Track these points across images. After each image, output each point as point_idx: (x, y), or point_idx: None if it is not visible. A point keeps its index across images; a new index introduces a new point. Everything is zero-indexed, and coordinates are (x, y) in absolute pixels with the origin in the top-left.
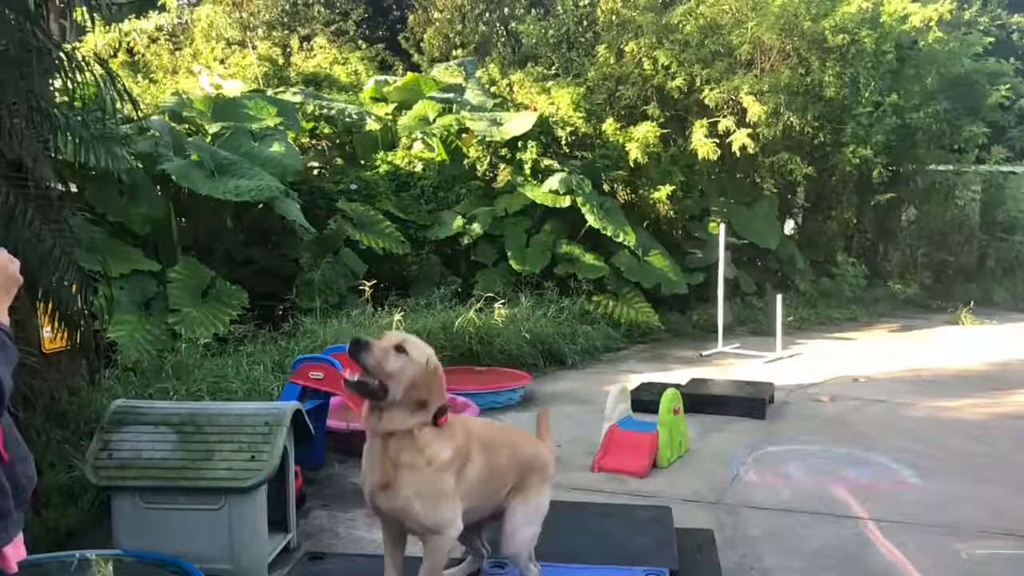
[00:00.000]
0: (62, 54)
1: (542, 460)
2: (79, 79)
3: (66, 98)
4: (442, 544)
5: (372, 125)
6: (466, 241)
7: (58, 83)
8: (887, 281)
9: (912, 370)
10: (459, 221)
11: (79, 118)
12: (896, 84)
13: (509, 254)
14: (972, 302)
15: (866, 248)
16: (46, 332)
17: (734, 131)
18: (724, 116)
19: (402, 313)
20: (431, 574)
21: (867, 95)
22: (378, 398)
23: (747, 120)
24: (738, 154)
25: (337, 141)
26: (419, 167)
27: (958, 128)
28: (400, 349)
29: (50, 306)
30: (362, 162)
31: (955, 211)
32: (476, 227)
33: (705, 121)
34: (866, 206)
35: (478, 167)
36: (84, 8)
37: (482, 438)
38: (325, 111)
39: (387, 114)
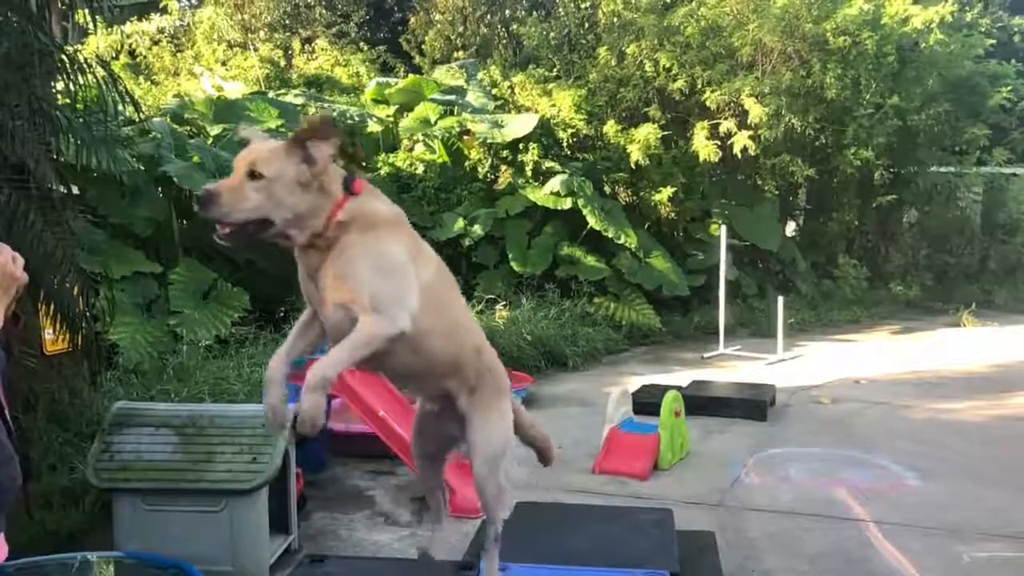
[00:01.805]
0: (64, 56)
1: (500, 370)
2: (81, 81)
3: (68, 100)
4: (379, 326)
5: (374, 127)
6: (467, 243)
7: (60, 85)
8: (888, 283)
9: (913, 372)
10: (460, 223)
11: (81, 120)
12: (897, 86)
13: (510, 256)
14: (973, 304)
15: (867, 250)
16: (47, 334)
17: (735, 133)
18: (725, 118)
19: None
20: (346, 351)
21: (868, 97)
22: (273, 235)
23: (748, 122)
24: (739, 156)
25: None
26: (420, 169)
27: (959, 130)
28: (255, 174)
29: (51, 308)
30: (364, 164)
31: (956, 213)
32: (477, 229)
33: (706, 123)
34: (867, 208)
35: (479, 169)
36: (86, 10)
37: (439, 258)
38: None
39: (388, 116)
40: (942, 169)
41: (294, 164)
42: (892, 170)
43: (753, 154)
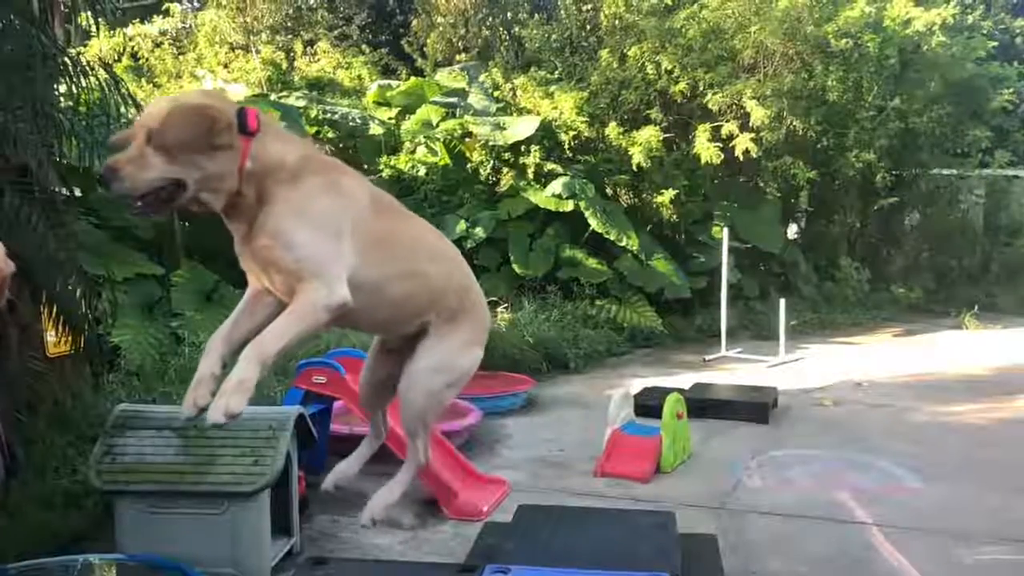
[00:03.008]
0: (67, 59)
1: (481, 298)
2: (84, 84)
3: (71, 103)
4: (317, 296)
5: (375, 129)
6: (469, 245)
7: (63, 88)
8: (890, 285)
9: (916, 374)
10: (462, 225)
11: (83, 123)
12: (899, 88)
13: (512, 258)
14: (976, 306)
15: (869, 252)
16: (50, 336)
17: (737, 135)
18: (727, 120)
19: None
20: (283, 325)
21: (870, 99)
22: (189, 200)
23: (750, 124)
24: (741, 158)
25: (340, 145)
26: (422, 171)
27: (961, 132)
28: (153, 142)
29: (54, 310)
30: (366, 166)
31: (958, 215)
32: (479, 231)
33: (708, 125)
34: (869, 210)
35: (481, 171)
36: (89, 13)
37: (370, 186)
38: (328, 116)
39: (390, 118)
40: (944, 171)
41: (190, 130)
42: (894, 172)
43: (755, 156)
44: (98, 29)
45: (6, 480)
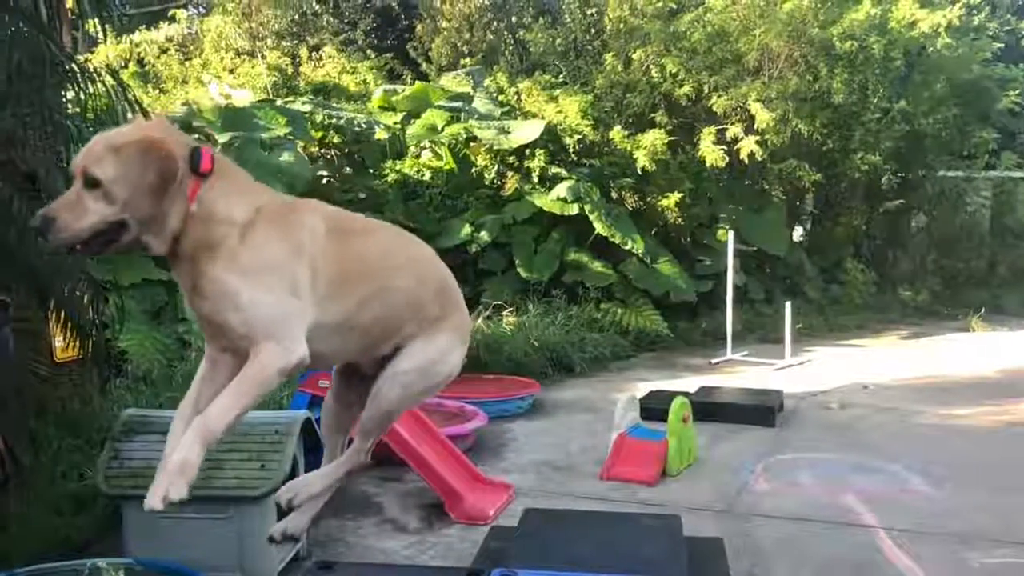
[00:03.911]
0: (74, 66)
1: (460, 297)
2: (91, 90)
3: (78, 109)
4: (270, 359)
5: (381, 134)
6: (474, 249)
7: (70, 94)
8: (897, 288)
9: (922, 377)
10: (467, 229)
11: (91, 129)
12: (905, 90)
13: (517, 262)
14: (983, 309)
15: (875, 255)
16: (57, 342)
17: (742, 138)
18: (732, 123)
19: None
20: (234, 395)
21: (876, 101)
22: (132, 242)
23: (755, 127)
24: (746, 161)
25: (346, 150)
26: (427, 176)
27: (968, 134)
28: (92, 183)
29: (62, 316)
30: (371, 171)
31: (965, 217)
32: (484, 235)
33: (713, 128)
34: (875, 213)
35: (486, 175)
36: (96, 20)
37: (328, 214)
38: (334, 120)
39: (395, 123)
40: (950, 173)
41: (131, 174)
42: (900, 175)
43: (760, 159)
44: (105, 36)
45: (4, 483)
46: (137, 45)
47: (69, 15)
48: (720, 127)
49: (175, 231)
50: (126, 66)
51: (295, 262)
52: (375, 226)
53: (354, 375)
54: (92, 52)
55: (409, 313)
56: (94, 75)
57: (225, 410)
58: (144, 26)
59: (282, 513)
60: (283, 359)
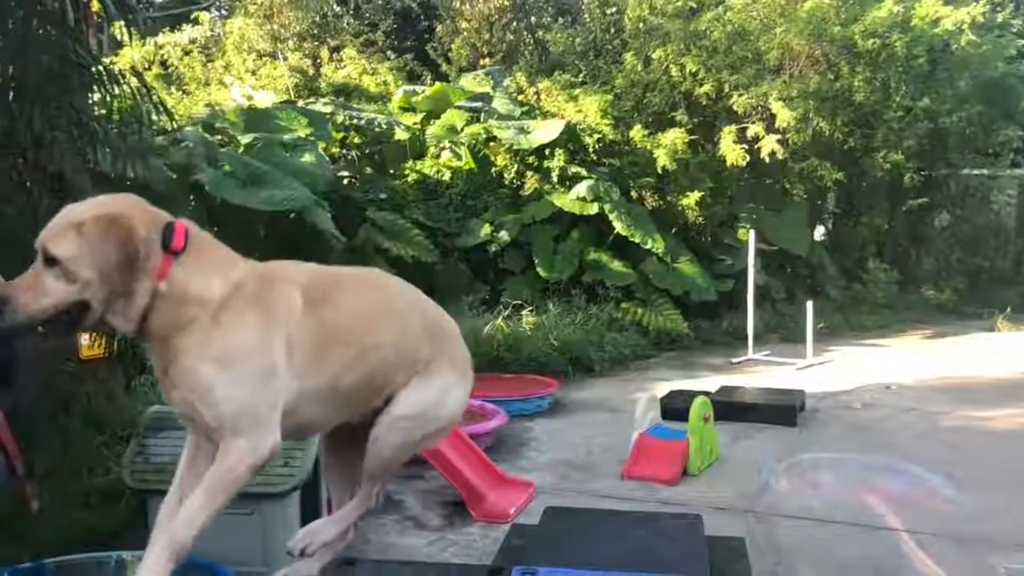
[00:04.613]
0: (100, 68)
1: (454, 331)
2: (116, 92)
3: (104, 111)
4: (238, 456)
5: (401, 135)
6: (494, 249)
7: (96, 96)
8: (920, 287)
9: (946, 378)
10: (487, 229)
11: (116, 130)
12: (928, 88)
13: (536, 261)
14: (1008, 308)
15: (898, 254)
16: (83, 339)
17: (763, 137)
18: (753, 122)
19: None
20: (203, 498)
21: (898, 100)
22: (96, 322)
23: (776, 126)
24: (767, 160)
25: (367, 151)
26: (447, 176)
27: (992, 132)
28: (50, 260)
29: None
30: (391, 171)
31: (990, 216)
32: (504, 235)
33: (734, 127)
34: (898, 211)
35: (506, 175)
36: (121, 23)
37: (305, 282)
38: (355, 121)
39: (416, 123)
40: (975, 172)
41: (93, 254)
42: (923, 173)
43: (781, 158)
44: (131, 38)
45: (9, 481)
46: (160, 47)
47: (95, 18)
48: (741, 126)
49: (142, 310)
50: (149, 68)
51: (271, 344)
52: (353, 282)
53: (347, 434)
54: (117, 55)
55: (397, 365)
56: (119, 77)
57: (194, 516)
58: (167, 28)
59: (305, 513)
60: (253, 457)
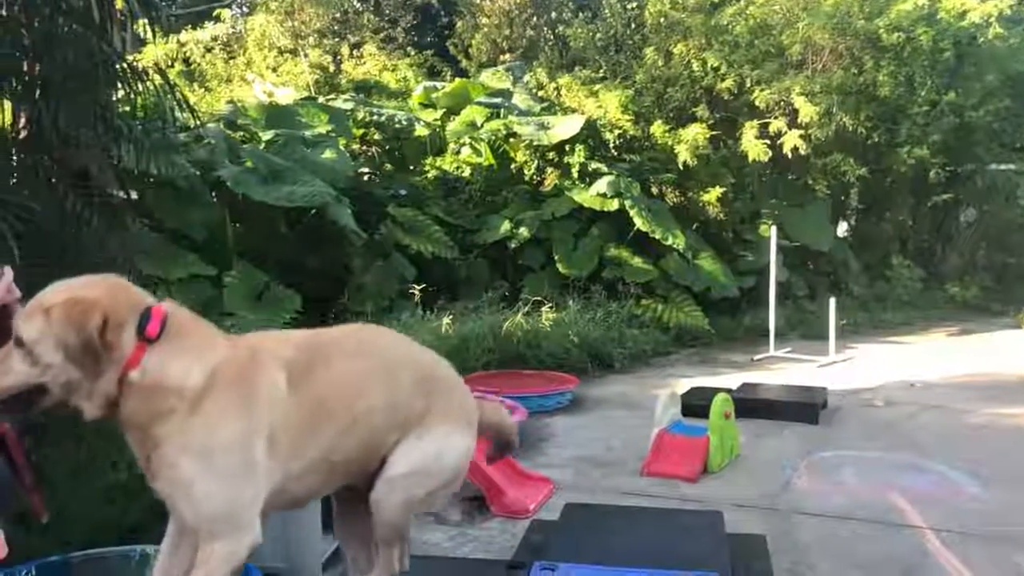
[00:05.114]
0: (124, 65)
1: (450, 379)
2: (140, 89)
3: (128, 108)
4: (220, 561)
5: (421, 131)
6: (513, 245)
7: (120, 93)
8: (944, 284)
9: (971, 375)
10: (506, 225)
11: (140, 127)
12: (954, 82)
13: (556, 258)
14: None
15: (922, 250)
16: None
17: (785, 132)
18: (775, 117)
19: (451, 316)
20: None
21: (923, 94)
22: (56, 404)
23: (799, 121)
24: (789, 155)
25: (387, 147)
26: (467, 172)
27: (1020, 126)
28: (19, 341)
29: None
30: (411, 167)
31: (1017, 212)
32: (523, 231)
33: (755, 122)
34: (922, 207)
35: (525, 171)
36: (145, 20)
37: (289, 358)
38: (375, 117)
39: (436, 120)
40: (1002, 167)
41: (55, 336)
42: (948, 168)
43: (803, 154)
44: (154, 36)
45: (12, 483)
46: (183, 44)
47: (119, 16)
48: (763, 121)
49: (109, 398)
50: (172, 65)
51: (253, 437)
52: (339, 346)
53: (347, 498)
54: (140, 52)
55: (390, 425)
56: (143, 74)
57: None
58: (189, 26)
59: (326, 507)
60: (230, 562)
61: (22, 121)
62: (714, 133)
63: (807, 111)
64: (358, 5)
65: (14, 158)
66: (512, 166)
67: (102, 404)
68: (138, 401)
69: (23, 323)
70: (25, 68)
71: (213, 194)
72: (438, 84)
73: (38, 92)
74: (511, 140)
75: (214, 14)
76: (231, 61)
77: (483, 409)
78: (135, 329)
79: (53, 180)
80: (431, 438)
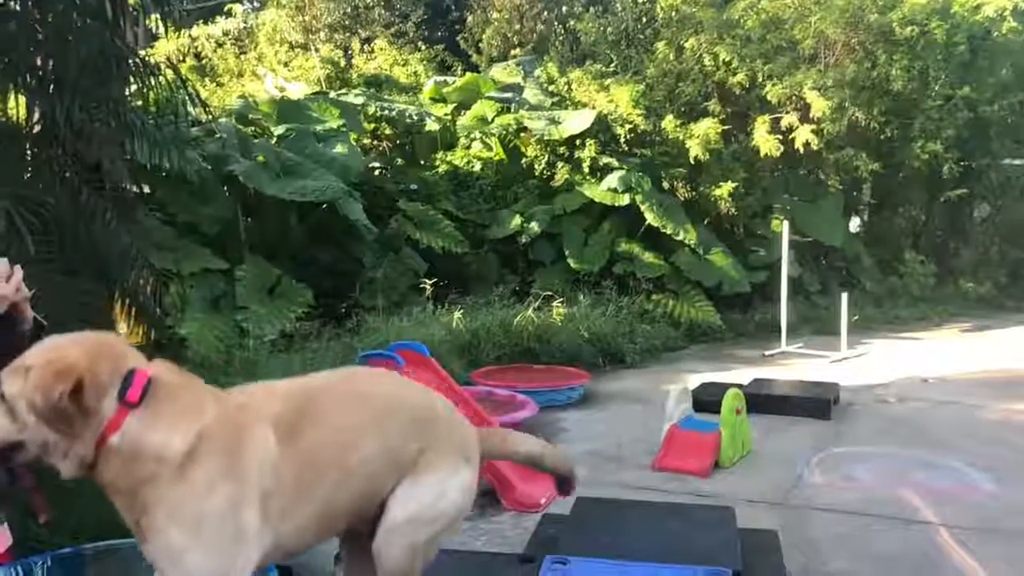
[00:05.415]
0: (137, 60)
1: (445, 416)
2: (152, 84)
3: (140, 102)
4: None
5: (432, 126)
6: (524, 240)
7: (133, 88)
8: (958, 280)
9: (985, 371)
10: (517, 220)
11: (152, 121)
12: (968, 76)
13: (567, 252)
14: None
15: (936, 246)
16: (122, 328)
17: (797, 127)
18: (787, 112)
19: (461, 311)
20: None
21: (937, 88)
22: (32, 461)
23: (811, 116)
24: (801, 150)
25: (398, 142)
26: (478, 167)
27: None
28: (1, 395)
29: (126, 302)
30: (422, 162)
31: None
32: (534, 226)
33: (767, 117)
34: (935, 202)
35: (536, 166)
36: (156, 15)
37: (277, 413)
38: (386, 112)
39: (446, 114)
40: (1016, 161)
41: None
42: (963, 163)
43: (816, 148)
44: (166, 31)
45: (10, 485)
46: (194, 39)
47: (131, 11)
48: (775, 116)
49: (85, 460)
50: (183, 60)
51: (243, 505)
52: (329, 396)
53: (353, 545)
54: (152, 47)
55: (386, 471)
56: (155, 69)
57: None
58: (201, 21)
59: None
60: None
61: (36, 115)
62: (726, 128)
63: (819, 106)
64: (369, 0)
65: (28, 152)
66: (523, 161)
67: (78, 465)
68: (120, 465)
69: (6, 378)
70: (39, 63)
71: (225, 188)
72: (449, 79)
73: (52, 87)
74: (522, 135)
75: (225, 9)
76: (242, 56)
77: (506, 440)
78: (116, 393)
79: (67, 174)
80: (428, 482)
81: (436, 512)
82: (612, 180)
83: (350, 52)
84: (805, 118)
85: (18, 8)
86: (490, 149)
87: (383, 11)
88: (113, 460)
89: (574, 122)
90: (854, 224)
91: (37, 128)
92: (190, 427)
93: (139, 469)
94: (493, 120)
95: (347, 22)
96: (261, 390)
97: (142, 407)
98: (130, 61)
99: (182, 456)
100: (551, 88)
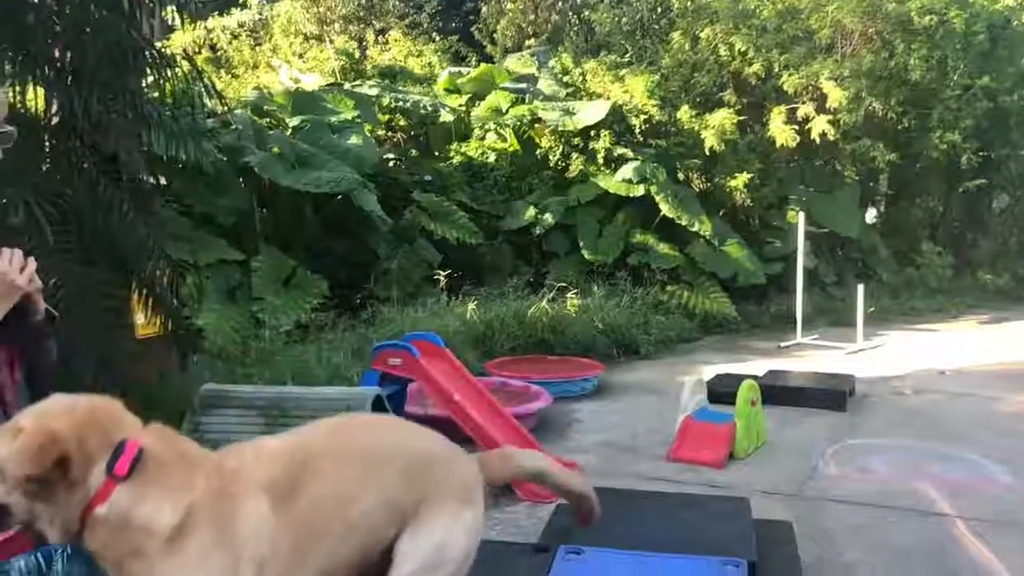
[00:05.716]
0: (153, 52)
1: (444, 458)
2: (168, 75)
3: (156, 94)
4: None
5: (446, 117)
6: (538, 231)
7: (149, 79)
8: (976, 271)
9: (1003, 363)
10: (531, 211)
11: (169, 113)
12: (987, 66)
13: (581, 244)
14: None
15: (953, 237)
16: (139, 319)
17: (813, 117)
18: (803, 102)
19: (476, 302)
20: None
21: (956, 78)
22: (18, 526)
23: (827, 106)
24: (818, 141)
25: (412, 133)
26: (492, 158)
27: None
28: None
29: (143, 293)
30: (436, 153)
31: None
32: (548, 217)
33: (783, 107)
34: (953, 193)
35: (551, 157)
36: (172, 7)
37: (271, 477)
38: (400, 103)
39: (461, 105)
40: None
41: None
42: (981, 154)
43: (832, 139)
44: (182, 22)
45: None
46: (210, 31)
47: (148, 3)
48: (791, 106)
49: (70, 529)
50: (199, 52)
51: (239, 573)
52: (323, 453)
53: None
54: (168, 39)
55: (387, 522)
56: (171, 61)
57: None
58: (216, 13)
59: None
60: None
61: (54, 107)
62: (741, 118)
63: (836, 96)
64: None
65: (47, 144)
66: (537, 152)
67: (65, 532)
68: (107, 535)
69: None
70: (57, 55)
71: (241, 180)
72: (463, 70)
73: (70, 79)
74: (536, 126)
75: (240, 1)
76: (257, 47)
77: (507, 459)
78: (105, 465)
79: (84, 166)
80: (432, 527)
81: (440, 561)
82: (627, 171)
83: (364, 43)
84: (821, 108)
85: (36, 0)
86: (504, 140)
87: (397, 2)
88: (100, 530)
89: (589, 113)
90: (870, 215)
91: (55, 120)
92: (180, 500)
93: (127, 541)
94: (507, 111)
95: (361, 13)
96: (253, 452)
97: (131, 479)
98: (147, 53)
99: (171, 530)
100: (566, 79)
